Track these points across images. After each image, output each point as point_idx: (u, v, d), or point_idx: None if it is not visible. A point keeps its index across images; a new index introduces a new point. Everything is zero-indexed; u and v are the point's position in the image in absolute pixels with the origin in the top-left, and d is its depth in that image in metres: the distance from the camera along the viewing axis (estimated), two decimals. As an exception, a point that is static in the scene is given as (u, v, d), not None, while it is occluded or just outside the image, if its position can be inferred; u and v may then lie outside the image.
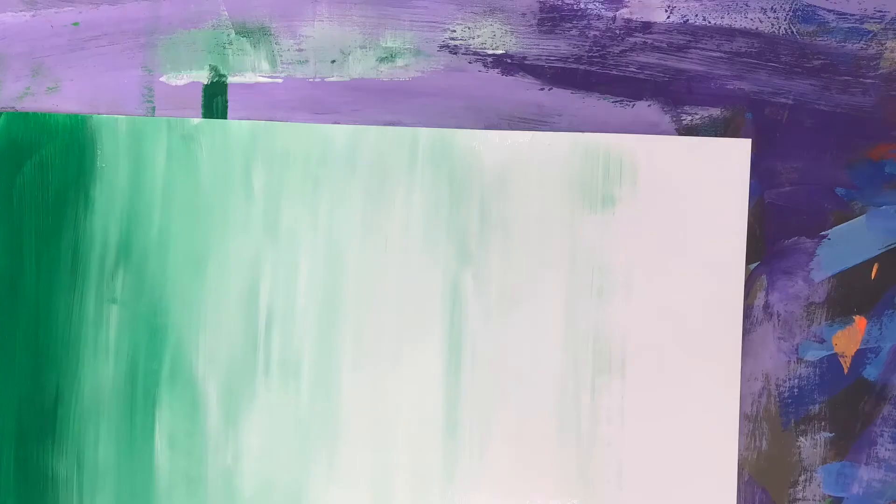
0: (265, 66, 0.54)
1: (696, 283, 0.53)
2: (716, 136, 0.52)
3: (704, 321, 0.52)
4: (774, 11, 0.53)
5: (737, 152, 0.53)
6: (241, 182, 0.54)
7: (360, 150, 0.54)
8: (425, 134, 0.54)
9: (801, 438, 0.53)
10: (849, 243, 0.52)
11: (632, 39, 0.54)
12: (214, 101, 0.55)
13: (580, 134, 0.53)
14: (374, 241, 0.54)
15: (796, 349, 0.53)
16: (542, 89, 0.54)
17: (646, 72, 0.54)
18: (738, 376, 0.52)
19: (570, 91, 0.54)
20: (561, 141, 0.53)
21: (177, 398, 0.54)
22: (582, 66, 0.54)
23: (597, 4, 0.53)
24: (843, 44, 0.52)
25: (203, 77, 0.54)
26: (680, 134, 0.52)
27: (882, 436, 0.52)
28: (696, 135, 0.52)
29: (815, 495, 0.52)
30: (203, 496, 0.54)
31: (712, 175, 0.53)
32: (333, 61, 0.54)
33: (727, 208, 0.52)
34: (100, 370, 0.54)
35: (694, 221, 0.53)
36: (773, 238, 0.52)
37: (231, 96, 0.54)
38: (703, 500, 0.53)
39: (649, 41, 0.54)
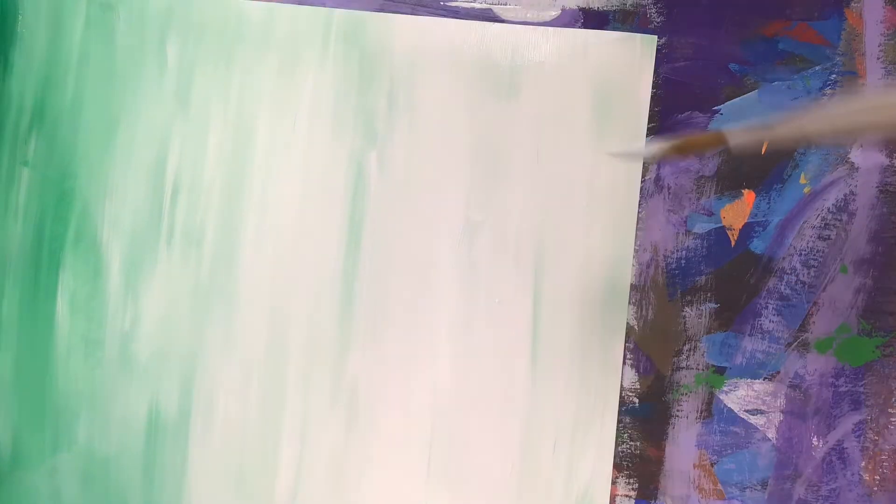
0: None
1: (594, 181, 0.53)
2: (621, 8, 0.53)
3: (602, 198, 0.53)
4: None
5: (642, 48, 0.53)
6: (156, 53, 0.55)
7: (275, 28, 0.55)
8: (339, 15, 0.55)
9: (687, 309, 0.53)
10: (741, 118, 0.52)
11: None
12: (127, -35, 0.56)
13: (489, 24, 0.54)
14: (282, 119, 0.55)
15: (685, 221, 0.53)
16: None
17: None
18: (631, 248, 0.53)
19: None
20: (470, 29, 0.54)
21: (80, 261, 0.55)
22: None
23: None
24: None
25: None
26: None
27: (766, 308, 0.52)
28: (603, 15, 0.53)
29: (698, 364, 0.52)
30: (100, 358, 0.54)
31: (618, 68, 0.53)
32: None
33: (630, 99, 0.52)
34: (8, 230, 0.55)
35: (596, 110, 0.54)
36: (666, 112, 0.52)
37: (144, -38, 0.55)
38: (590, 367, 0.52)
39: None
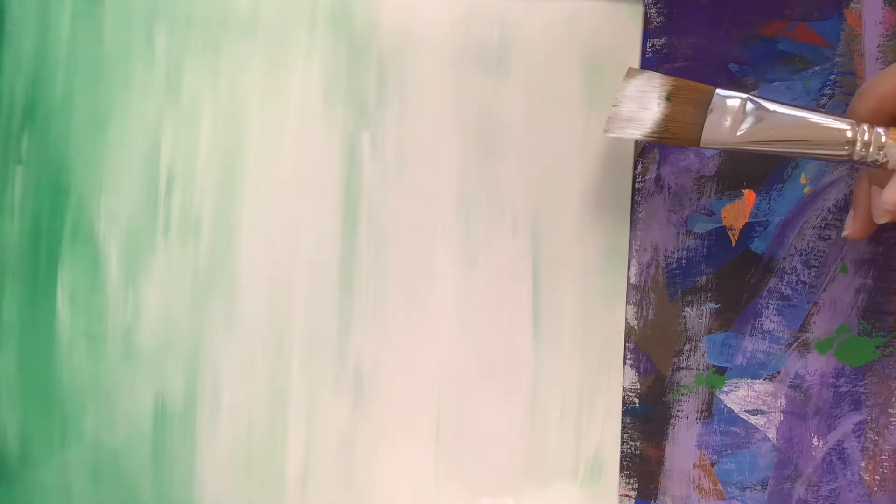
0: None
1: (587, 150, 0.53)
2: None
3: (596, 190, 0.53)
4: None
5: (629, 15, 0.53)
6: (144, 44, 0.55)
7: (261, 14, 0.54)
8: (326, -3, 0.54)
9: (687, 309, 0.53)
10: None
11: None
12: (119, -38, 0.55)
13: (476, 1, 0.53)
14: (273, 103, 0.55)
15: (685, 221, 0.52)
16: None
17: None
18: (627, 213, 0.53)
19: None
20: (457, 5, 0.53)
21: (78, 256, 0.55)
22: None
23: None
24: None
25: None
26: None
27: (767, 308, 0.52)
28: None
29: (698, 364, 0.53)
30: (103, 351, 0.55)
31: (605, 38, 0.54)
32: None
33: (619, 69, 0.51)
34: (4, 228, 0.54)
35: (585, 81, 0.54)
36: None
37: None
38: (593, 331, 0.53)
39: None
